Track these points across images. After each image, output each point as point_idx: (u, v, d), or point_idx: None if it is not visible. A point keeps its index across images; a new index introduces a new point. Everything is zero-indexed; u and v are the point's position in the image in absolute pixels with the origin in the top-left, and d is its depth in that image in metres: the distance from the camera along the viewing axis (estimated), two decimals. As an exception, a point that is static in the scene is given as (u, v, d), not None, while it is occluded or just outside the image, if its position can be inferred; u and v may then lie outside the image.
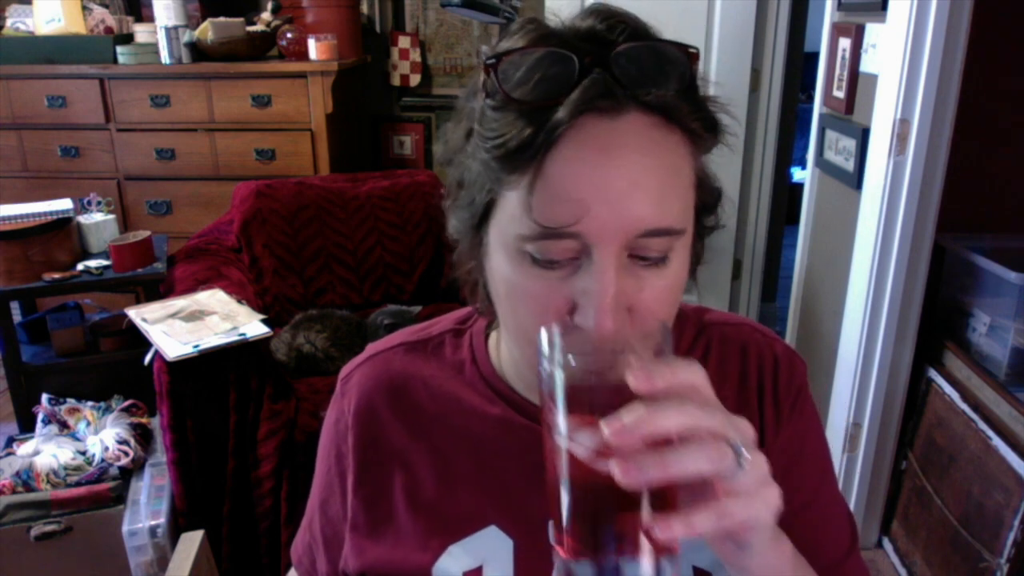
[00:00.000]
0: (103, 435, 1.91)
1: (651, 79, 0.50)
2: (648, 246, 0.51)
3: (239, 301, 1.88)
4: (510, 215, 0.53)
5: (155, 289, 2.14)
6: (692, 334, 0.69)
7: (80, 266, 2.19)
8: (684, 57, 0.51)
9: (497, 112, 0.51)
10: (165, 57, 2.77)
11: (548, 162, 0.49)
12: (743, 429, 0.46)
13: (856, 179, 1.99)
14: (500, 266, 0.55)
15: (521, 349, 0.58)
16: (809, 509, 0.67)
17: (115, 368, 2.25)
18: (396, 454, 0.67)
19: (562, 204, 0.49)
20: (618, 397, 0.43)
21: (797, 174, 4.15)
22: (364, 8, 3.16)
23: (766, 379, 0.68)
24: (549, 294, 0.52)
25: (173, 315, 1.80)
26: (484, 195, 0.55)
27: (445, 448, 0.66)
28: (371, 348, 0.74)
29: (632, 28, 0.52)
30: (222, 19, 2.80)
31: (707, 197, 0.57)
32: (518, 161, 0.50)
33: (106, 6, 3.05)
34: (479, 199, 0.55)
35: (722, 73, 2.72)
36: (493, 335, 0.69)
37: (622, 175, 0.49)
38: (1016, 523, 1.55)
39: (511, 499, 0.64)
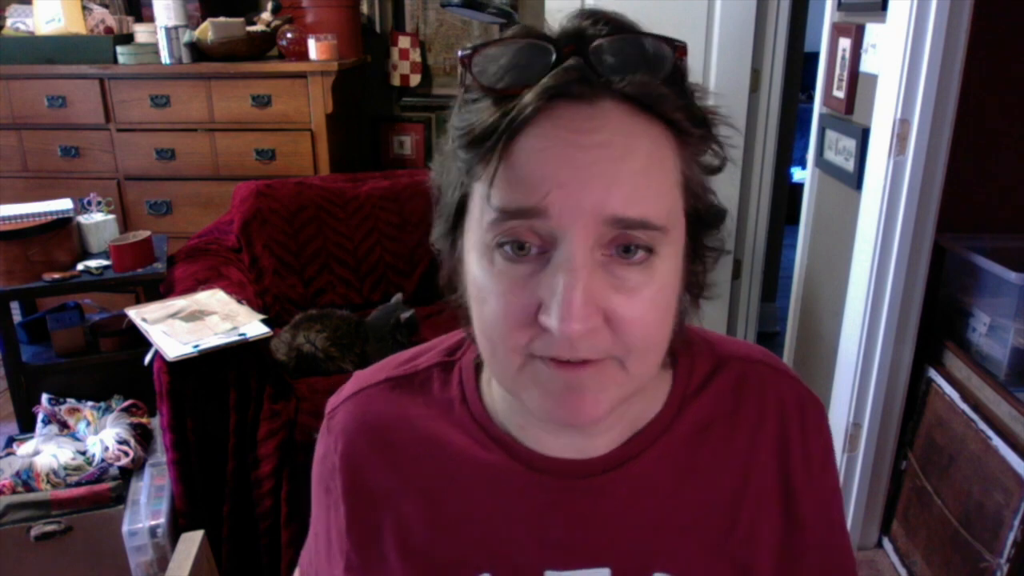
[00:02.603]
0: (103, 435, 1.92)
1: (631, 68, 0.48)
2: (626, 238, 0.48)
3: (239, 301, 1.88)
4: (480, 208, 0.51)
5: (155, 289, 2.14)
6: (707, 368, 0.64)
7: (80, 266, 2.19)
8: (668, 50, 0.49)
9: (471, 104, 0.50)
10: (165, 57, 2.77)
11: (515, 148, 0.48)
12: None
13: (856, 179, 1.99)
14: (472, 269, 0.53)
15: (492, 356, 0.53)
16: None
17: (115, 368, 2.25)
18: (384, 499, 0.64)
19: (523, 186, 0.47)
20: None
21: (797, 174, 4.15)
22: (364, 8, 3.16)
23: (791, 429, 0.63)
24: (515, 291, 0.49)
25: (173, 315, 1.80)
26: (457, 192, 0.53)
27: (435, 493, 0.63)
28: (357, 380, 0.70)
29: (617, 24, 0.50)
30: (222, 19, 2.80)
31: (700, 204, 0.53)
32: (483, 147, 0.48)
33: (106, 6, 3.05)
34: (452, 197, 0.54)
35: (722, 73, 2.72)
36: (485, 371, 0.65)
37: (591, 159, 0.47)
38: (1016, 523, 1.55)
39: (505, 547, 0.61)
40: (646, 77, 0.48)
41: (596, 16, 0.51)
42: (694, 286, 0.57)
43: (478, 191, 0.51)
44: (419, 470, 0.63)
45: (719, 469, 0.62)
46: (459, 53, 0.51)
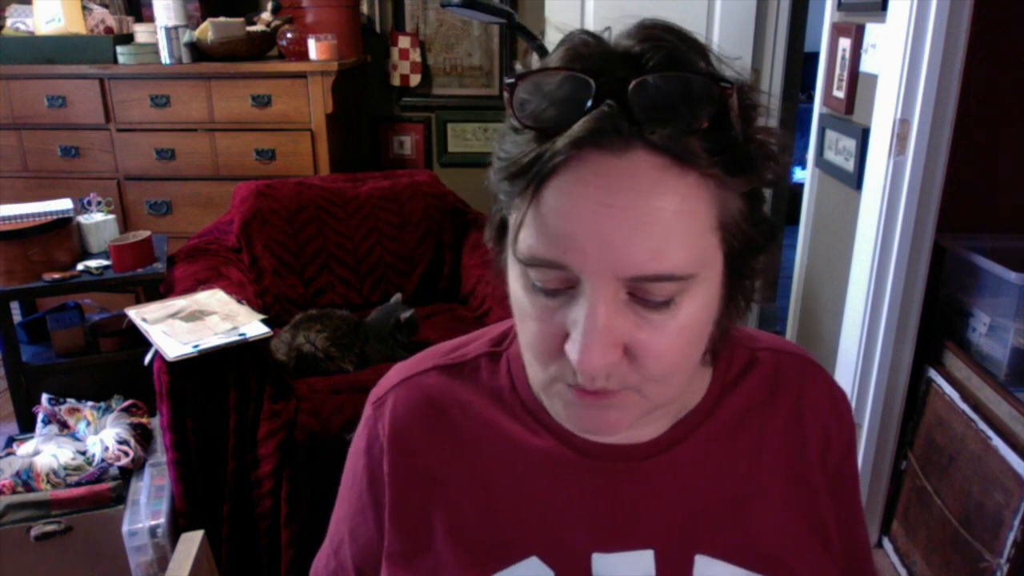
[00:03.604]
0: (103, 435, 1.91)
1: (667, 116, 0.46)
2: (649, 290, 0.49)
3: (239, 301, 1.88)
4: (514, 238, 0.52)
5: (155, 289, 2.14)
6: (743, 359, 0.67)
7: (80, 266, 2.19)
8: (713, 92, 0.47)
9: (514, 132, 0.51)
10: (165, 57, 2.77)
11: (545, 192, 0.48)
12: None
13: (856, 179, 1.99)
14: (513, 282, 0.55)
15: (529, 366, 0.58)
16: (847, 548, 0.70)
17: (115, 368, 2.25)
18: (435, 481, 0.65)
19: (549, 238, 0.49)
20: None
21: (797, 174, 4.14)
22: (364, 8, 3.16)
23: (826, 416, 0.67)
24: (546, 318, 0.52)
25: (173, 315, 1.80)
26: (499, 210, 0.55)
27: (486, 477, 0.64)
28: (402, 370, 0.71)
29: (668, 53, 0.48)
30: (222, 19, 2.80)
31: (739, 239, 0.52)
32: (518, 185, 0.50)
33: (106, 6, 3.05)
34: (496, 212, 0.56)
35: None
36: None
37: (616, 216, 0.47)
38: (1016, 523, 1.55)
39: (553, 530, 0.62)
40: (684, 127, 0.46)
41: (650, 38, 0.49)
42: (741, 299, 0.57)
43: (513, 221, 0.52)
44: (472, 453, 0.65)
45: (757, 454, 0.65)
46: (505, 80, 0.50)
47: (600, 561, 0.61)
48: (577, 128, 0.46)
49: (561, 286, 0.50)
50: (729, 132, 0.48)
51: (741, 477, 0.64)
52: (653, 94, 0.46)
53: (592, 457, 0.62)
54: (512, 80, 0.50)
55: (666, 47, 0.49)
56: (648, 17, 0.51)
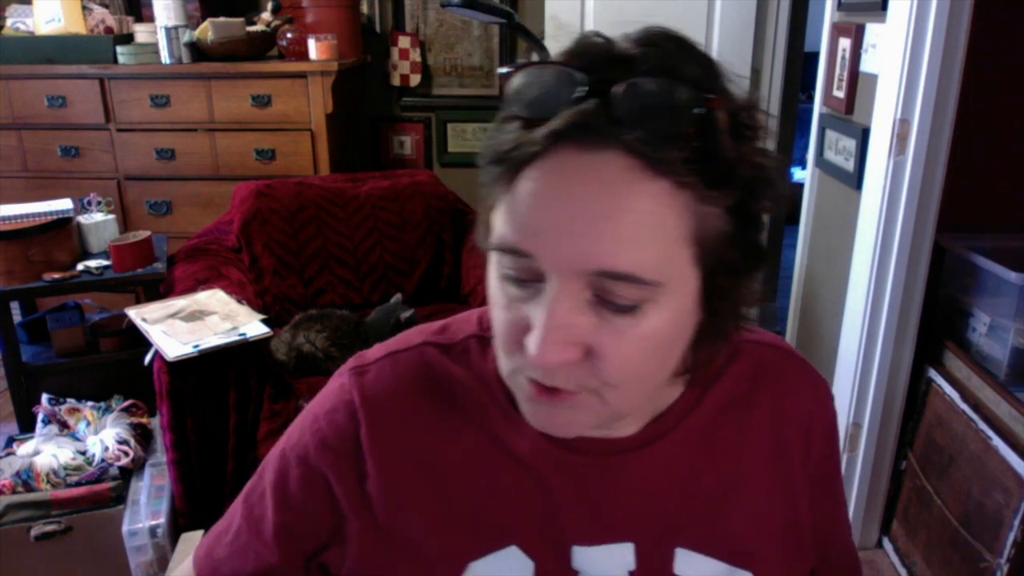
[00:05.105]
0: (103, 435, 1.91)
1: (646, 119, 0.46)
2: (613, 291, 0.49)
3: (239, 301, 1.88)
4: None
5: (155, 289, 2.14)
6: (725, 354, 0.66)
7: (80, 266, 2.19)
8: (699, 102, 0.47)
9: (504, 121, 0.52)
10: (165, 57, 2.77)
11: (519, 180, 0.49)
12: None
13: (856, 179, 1.99)
14: (489, 269, 0.55)
15: (498, 354, 0.57)
16: (831, 537, 0.73)
17: (115, 368, 2.25)
18: (419, 458, 0.63)
19: (516, 225, 0.50)
20: None
21: (797, 174, 4.15)
22: (364, 8, 3.16)
23: (808, 407, 0.68)
24: (512, 309, 0.53)
25: (173, 315, 1.80)
26: (488, 199, 0.55)
27: (470, 461, 0.63)
28: (388, 345, 0.69)
29: (660, 59, 0.48)
30: (222, 19, 2.80)
31: (716, 259, 0.51)
32: (497, 171, 0.51)
33: (106, 6, 3.05)
34: (486, 202, 0.55)
35: (722, 73, 2.73)
36: None
37: (580, 208, 0.47)
38: (1016, 523, 1.55)
39: (534, 521, 0.62)
40: (660, 133, 0.46)
41: (649, 44, 0.50)
42: (725, 323, 0.56)
43: (491, 208, 0.53)
44: (461, 434, 0.64)
45: (739, 447, 0.65)
46: (500, 70, 0.52)
47: (581, 554, 0.61)
48: (557, 121, 0.47)
49: (530, 277, 0.51)
50: (714, 145, 0.48)
51: (722, 470, 0.64)
52: (637, 96, 0.47)
53: (573, 451, 0.62)
54: (509, 70, 0.51)
55: (661, 53, 0.49)
56: (655, 24, 0.52)
